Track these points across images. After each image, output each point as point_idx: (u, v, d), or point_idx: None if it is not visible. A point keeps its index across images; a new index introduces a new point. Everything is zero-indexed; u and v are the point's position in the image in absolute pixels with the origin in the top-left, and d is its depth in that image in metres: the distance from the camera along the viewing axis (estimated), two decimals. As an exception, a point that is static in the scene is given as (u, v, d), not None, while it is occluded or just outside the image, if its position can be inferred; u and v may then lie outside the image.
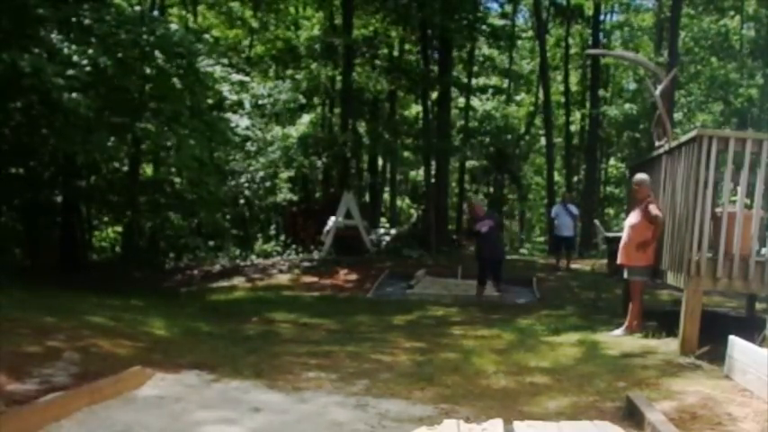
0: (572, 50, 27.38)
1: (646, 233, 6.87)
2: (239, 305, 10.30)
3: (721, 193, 6.25)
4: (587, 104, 25.88)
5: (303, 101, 19.51)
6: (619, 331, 7.08)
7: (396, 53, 23.85)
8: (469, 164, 28.03)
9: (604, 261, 13.38)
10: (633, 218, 7.07)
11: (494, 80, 29.93)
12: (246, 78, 13.81)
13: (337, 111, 23.52)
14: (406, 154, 26.02)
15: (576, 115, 28.58)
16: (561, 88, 28.11)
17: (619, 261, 7.27)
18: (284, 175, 21.28)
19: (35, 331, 5.65)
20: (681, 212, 6.24)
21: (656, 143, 7.62)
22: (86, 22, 10.34)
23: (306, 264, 14.97)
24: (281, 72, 23.79)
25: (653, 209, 6.78)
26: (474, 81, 27.41)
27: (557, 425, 3.67)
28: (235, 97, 13.11)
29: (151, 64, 11.19)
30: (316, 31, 23.36)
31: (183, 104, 11.67)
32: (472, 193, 25.76)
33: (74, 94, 9.13)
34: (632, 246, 6.98)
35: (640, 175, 7.19)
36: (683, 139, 6.43)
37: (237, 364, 5.45)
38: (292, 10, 24.17)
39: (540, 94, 25.81)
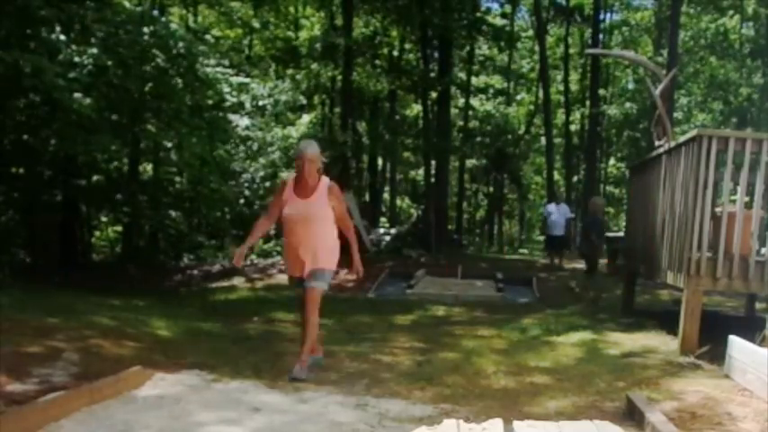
0: (572, 50, 27.40)
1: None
2: (239, 305, 10.30)
3: (721, 192, 6.25)
4: (587, 104, 25.88)
5: (303, 101, 19.49)
6: None
7: (396, 53, 23.85)
8: (469, 164, 28.04)
9: (604, 261, 13.41)
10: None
11: (494, 80, 29.95)
12: (247, 80, 13.81)
13: (337, 111, 23.52)
14: (406, 154, 26.04)
15: (576, 115, 28.60)
16: (561, 88, 28.13)
17: None
18: (284, 174, 21.25)
19: (35, 331, 5.64)
20: (681, 212, 6.24)
21: (656, 143, 7.61)
22: (87, 22, 10.33)
23: (306, 263, 14.92)
24: (282, 72, 23.79)
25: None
26: (474, 81, 27.43)
27: (557, 425, 3.66)
28: (235, 99, 13.11)
29: (151, 63, 11.19)
30: (316, 31, 23.37)
31: (184, 103, 11.67)
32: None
33: (75, 95, 9.12)
34: None
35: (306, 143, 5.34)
36: (683, 138, 6.42)
37: (238, 364, 5.45)
38: (292, 10, 24.18)
39: (540, 94, 25.82)
